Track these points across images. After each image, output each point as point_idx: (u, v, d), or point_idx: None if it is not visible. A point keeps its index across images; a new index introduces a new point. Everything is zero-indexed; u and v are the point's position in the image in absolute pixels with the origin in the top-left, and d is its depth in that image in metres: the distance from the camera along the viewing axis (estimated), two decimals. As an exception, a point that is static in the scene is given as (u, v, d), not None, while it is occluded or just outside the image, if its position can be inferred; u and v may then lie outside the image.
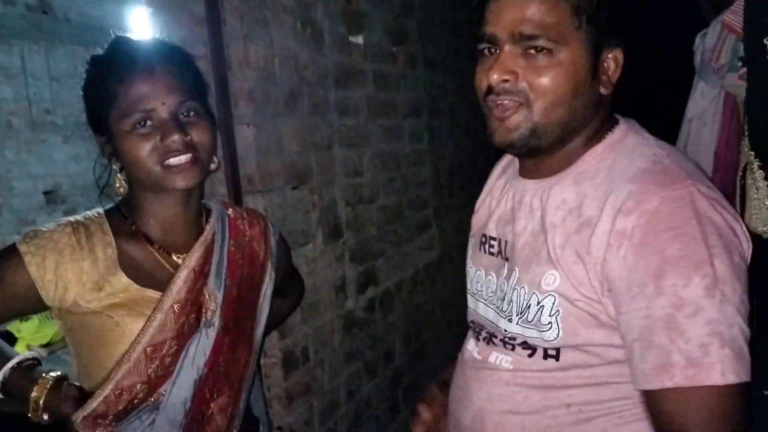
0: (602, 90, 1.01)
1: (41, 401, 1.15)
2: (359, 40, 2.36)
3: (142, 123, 1.11)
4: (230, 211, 1.34)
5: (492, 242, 1.15)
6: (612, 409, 0.98)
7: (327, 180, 2.14)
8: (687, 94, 2.33)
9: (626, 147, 1.01)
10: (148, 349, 1.12)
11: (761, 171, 1.66)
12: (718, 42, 2.07)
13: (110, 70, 1.13)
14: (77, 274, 1.11)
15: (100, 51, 1.18)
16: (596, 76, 0.99)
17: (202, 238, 1.24)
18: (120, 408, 1.13)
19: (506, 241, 1.10)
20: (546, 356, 1.00)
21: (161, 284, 1.16)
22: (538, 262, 1.00)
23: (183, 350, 1.16)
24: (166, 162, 1.11)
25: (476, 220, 1.27)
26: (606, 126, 1.05)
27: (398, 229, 2.69)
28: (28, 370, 1.20)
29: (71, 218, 1.17)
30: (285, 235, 1.55)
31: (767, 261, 0.92)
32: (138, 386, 1.13)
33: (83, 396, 1.15)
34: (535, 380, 1.02)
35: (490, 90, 0.99)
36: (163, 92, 1.12)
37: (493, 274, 1.12)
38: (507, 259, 1.09)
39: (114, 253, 1.15)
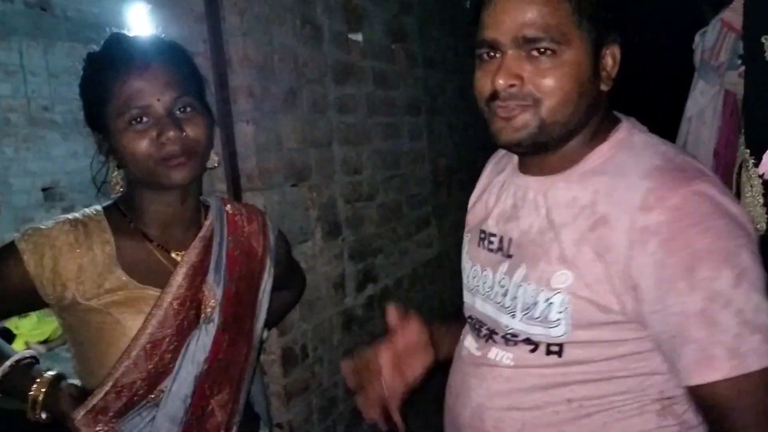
0: (603, 86, 1.01)
1: (40, 399, 1.15)
2: (358, 37, 2.36)
3: (138, 119, 1.11)
4: (228, 207, 1.34)
5: (491, 238, 1.15)
6: (613, 403, 0.98)
7: (326, 177, 2.14)
8: (686, 93, 2.33)
9: (634, 145, 1.02)
10: (148, 346, 1.12)
11: (756, 168, 1.66)
12: (718, 40, 2.07)
13: (106, 67, 1.13)
14: (75, 271, 1.11)
15: (97, 48, 1.18)
16: (597, 73, 1.00)
17: (200, 235, 1.24)
18: (120, 405, 1.13)
19: (510, 238, 1.10)
20: (549, 352, 1.00)
21: (160, 281, 1.16)
22: (547, 260, 1.00)
23: (183, 347, 1.16)
24: (163, 158, 1.11)
25: (472, 216, 1.27)
26: (607, 123, 1.05)
27: (397, 227, 2.69)
28: (27, 368, 1.20)
29: (69, 216, 1.17)
30: (284, 233, 1.55)
31: (763, 257, 0.93)
32: (138, 383, 1.13)
33: (82, 394, 1.16)
34: (537, 376, 1.02)
35: (495, 95, 0.99)
36: (158, 88, 1.12)
37: (489, 270, 1.12)
38: (510, 256, 1.09)
39: (112, 250, 1.15)
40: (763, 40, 1.55)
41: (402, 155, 2.73)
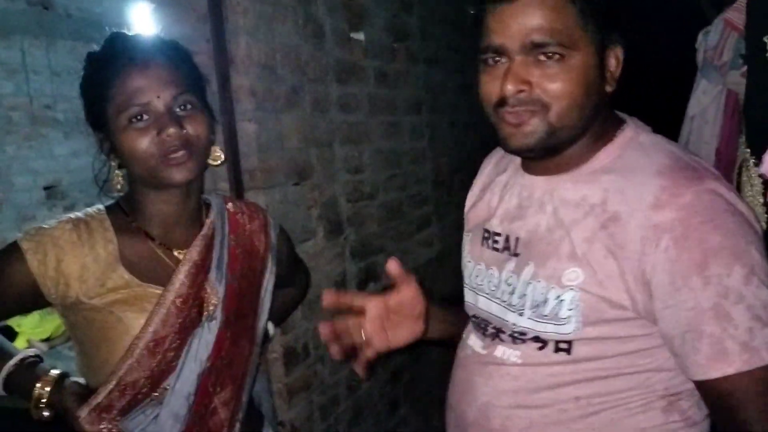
0: (607, 87, 1.02)
1: (44, 398, 1.15)
2: (360, 36, 2.36)
3: (139, 117, 1.11)
4: (230, 205, 1.34)
5: (496, 237, 1.15)
6: (620, 400, 0.99)
7: (328, 176, 2.14)
8: (689, 92, 2.33)
9: (641, 145, 1.03)
10: (151, 344, 1.13)
11: (756, 168, 1.66)
12: (721, 40, 2.07)
13: (106, 66, 1.14)
14: (78, 270, 1.12)
15: (98, 47, 1.19)
16: (602, 75, 1.00)
17: (202, 233, 1.24)
18: (124, 403, 1.14)
19: (516, 237, 1.10)
20: (557, 349, 1.01)
21: (163, 280, 1.17)
22: (557, 258, 1.01)
23: (185, 345, 1.16)
24: (164, 156, 1.12)
25: (473, 216, 1.27)
26: (611, 123, 1.06)
27: (398, 226, 2.69)
28: (31, 366, 1.20)
29: (72, 215, 1.18)
30: (286, 231, 1.56)
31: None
32: (141, 381, 1.13)
33: (86, 392, 1.16)
34: (545, 374, 1.03)
35: (503, 102, 0.99)
36: (157, 85, 1.12)
37: (495, 269, 1.13)
38: (516, 255, 1.09)
39: (115, 249, 1.16)
40: (765, 39, 1.56)
41: (403, 154, 2.73)
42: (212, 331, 1.19)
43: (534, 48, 0.95)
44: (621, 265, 0.94)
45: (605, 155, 1.04)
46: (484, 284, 1.15)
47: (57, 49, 4.35)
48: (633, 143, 1.03)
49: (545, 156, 1.05)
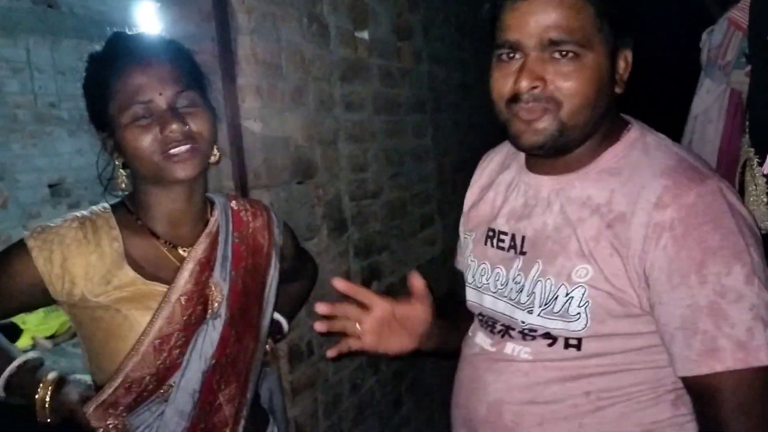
0: (617, 89, 1.04)
1: (47, 402, 1.16)
2: (365, 35, 2.36)
3: (142, 115, 1.12)
4: (233, 203, 1.35)
5: (502, 236, 1.16)
6: (629, 395, 1.01)
7: (332, 175, 2.15)
8: (693, 91, 2.33)
9: (647, 145, 1.04)
10: (157, 342, 1.14)
11: (760, 167, 1.67)
12: (725, 39, 2.07)
13: (107, 65, 1.14)
14: (84, 268, 1.12)
15: (100, 47, 1.19)
16: (612, 77, 1.02)
17: (206, 231, 1.25)
18: (130, 400, 1.15)
19: (523, 236, 1.11)
20: (567, 346, 1.02)
21: (168, 277, 1.18)
22: (566, 256, 1.02)
23: (191, 342, 1.17)
24: (167, 153, 1.12)
25: (476, 215, 1.27)
26: (617, 124, 1.07)
27: (402, 224, 2.70)
28: (32, 370, 1.21)
29: (78, 213, 1.19)
30: (290, 228, 1.56)
31: (765, 256, 0.96)
32: (147, 378, 1.14)
33: (88, 393, 1.17)
34: (556, 370, 1.04)
35: (516, 97, 1.00)
36: (159, 83, 1.13)
37: (502, 268, 1.13)
38: (523, 253, 1.10)
39: (120, 247, 1.16)
40: (768, 39, 1.56)
41: (407, 153, 2.74)
42: (217, 328, 1.20)
43: (550, 45, 0.96)
44: (625, 263, 0.96)
45: (611, 155, 1.05)
46: (490, 283, 1.16)
47: (61, 48, 4.36)
48: (638, 144, 1.05)
49: (554, 155, 1.06)
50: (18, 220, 4.05)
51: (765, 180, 1.67)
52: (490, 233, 1.19)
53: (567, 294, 1.00)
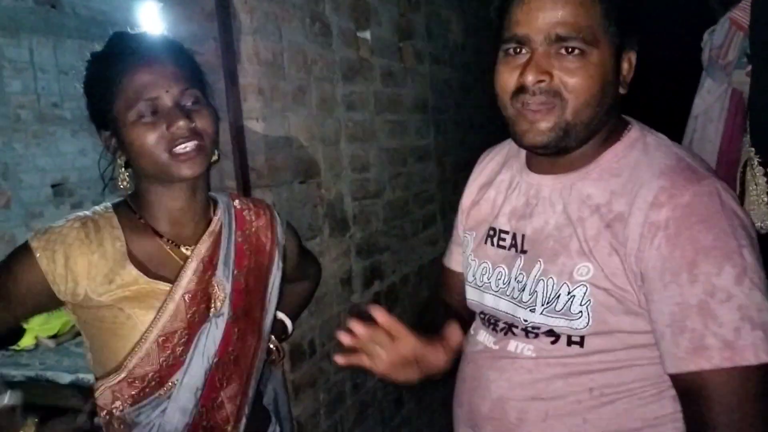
0: (620, 90, 1.05)
1: None
2: (367, 35, 2.37)
3: (148, 112, 1.12)
4: (236, 202, 1.35)
5: (503, 235, 1.16)
6: (632, 391, 1.01)
7: (334, 174, 2.15)
8: (694, 91, 2.33)
9: (647, 145, 1.05)
10: (160, 339, 1.14)
11: (761, 167, 1.67)
12: (726, 39, 2.07)
13: (112, 63, 1.15)
14: (86, 267, 1.13)
15: (100, 47, 1.20)
16: (617, 77, 1.03)
17: (209, 230, 1.25)
18: (133, 392, 1.16)
19: (523, 235, 1.12)
20: (570, 343, 1.03)
21: (171, 276, 1.18)
22: (567, 254, 1.03)
23: (194, 340, 1.18)
24: (174, 150, 1.13)
25: (476, 214, 1.27)
26: (619, 124, 1.08)
27: (404, 224, 2.70)
28: (10, 413, 1.19)
29: (80, 213, 1.19)
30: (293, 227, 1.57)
31: (765, 256, 0.96)
32: (150, 375, 1.15)
33: (73, 427, 1.17)
34: (559, 366, 1.04)
35: (520, 90, 1.00)
36: (166, 80, 1.13)
37: (504, 267, 1.14)
38: (524, 252, 1.11)
39: (123, 246, 1.17)
40: (770, 39, 1.56)
41: (409, 153, 2.74)
42: (220, 326, 1.20)
43: (557, 41, 0.97)
44: (624, 262, 0.97)
45: (612, 155, 1.06)
46: (491, 282, 1.16)
47: (64, 48, 4.37)
48: (638, 144, 1.06)
49: (556, 154, 1.06)
50: (21, 220, 4.05)
51: (766, 180, 1.67)
52: (491, 232, 1.19)
53: (569, 293, 1.01)
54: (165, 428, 1.16)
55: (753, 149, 1.68)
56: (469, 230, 1.28)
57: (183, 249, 1.23)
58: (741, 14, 1.99)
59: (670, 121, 1.78)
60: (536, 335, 1.06)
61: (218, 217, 1.28)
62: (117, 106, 1.13)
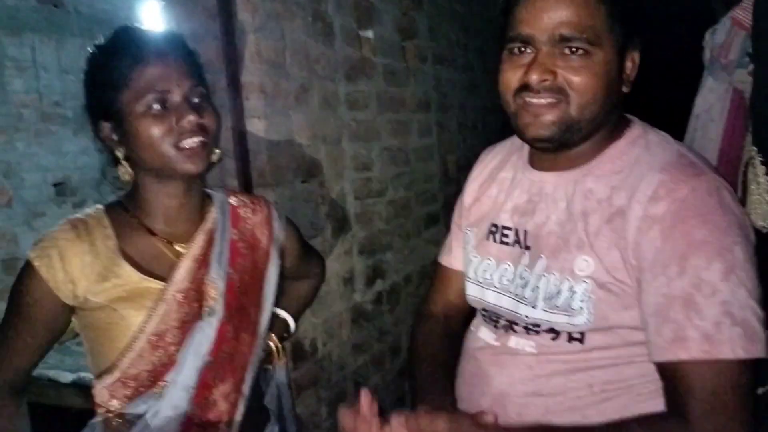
0: (624, 89, 1.06)
1: None
2: (369, 34, 2.37)
3: (156, 104, 1.13)
4: (232, 198, 1.35)
5: (506, 232, 1.17)
6: (632, 387, 1.02)
7: (336, 174, 2.15)
8: (696, 90, 2.33)
9: (649, 142, 1.06)
10: (153, 338, 1.14)
11: (763, 166, 1.67)
12: (728, 38, 2.06)
13: (121, 54, 1.15)
14: (80, 267, 1.13)
15: (104, 40, 1.20)
16: (620, 76, 1.04)
17: (203, 227, 1.25)
18: (128, 392, 1.16)
19: (525, 230, 1.12)
20: (570, 339, 1.03)
21: (164, 274, 1.18)
22: (568, 250, 1.04)
23: (187, 338, 1.17)
24: (180, 144, 1.13)
25: (478, 211, 1.28)
26: (621, 122, 1.09)
27: (406, 223, 2.70)
28: None
29: (71, 217, 1.19)
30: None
31: (767, 255, 0.96)
32: (143, 374, 1.15)
33: None
34: (560, 363, 1.05)
35: (524, 87, 1.01)
36: (177, 75, 1.14)
37: (510, 263, 1.14)
38: (528, 248, 1.11)
39: (114, 245, 1.17)
40: (772, 38, 1.55)
41: (411, 152, 2.74)
42: (213, 325, 1.20)
43: (561, 41, 0.98)
44: (623, 256, 0.98)
45: (615, 151, 1.07)
46: (494, 279, 1.16)
47: (67, 47, 4.37)
48: (640, 140, 1.06)
49: (558, 149, 1.07)
50: (23, 219, 4.06)
51: (767, 179, 1.66)
52: (493, 228, 1.20)
53: (570, 288, 1.02)
54: (159, 426, 1.16)
55: (755, 148, 1.67)
56: (470, 227, 1.29)
57: (177, 246, 1.22)
58: (743, 13, 1.98)
59: (672, 120, 1.78)
60: (537, 332, 1.07)
61: (212, 215, 1.28)
62: (124, 96, 1.13)
